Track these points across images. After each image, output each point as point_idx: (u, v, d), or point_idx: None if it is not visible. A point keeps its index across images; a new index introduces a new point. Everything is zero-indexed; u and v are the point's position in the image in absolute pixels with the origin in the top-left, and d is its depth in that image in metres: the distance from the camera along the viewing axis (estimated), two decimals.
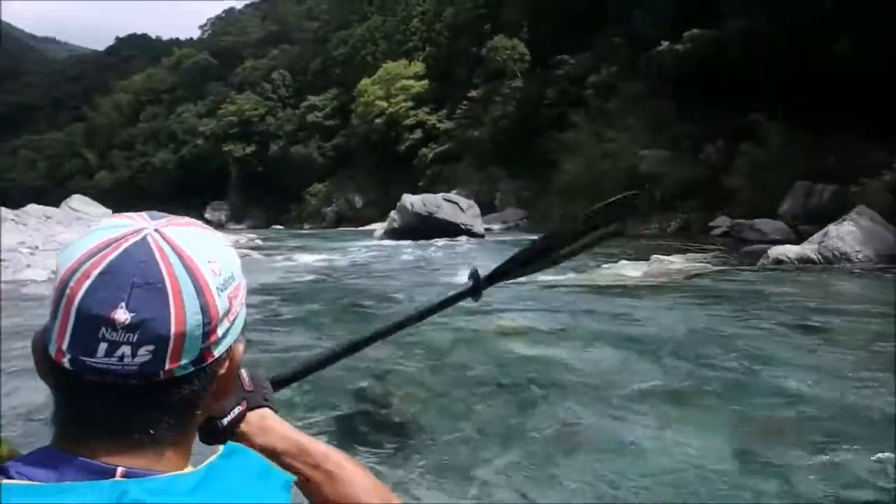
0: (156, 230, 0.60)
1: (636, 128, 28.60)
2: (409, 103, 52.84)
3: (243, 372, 0.90)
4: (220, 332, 0.62)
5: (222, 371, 0.65)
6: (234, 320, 0.64)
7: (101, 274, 0.57)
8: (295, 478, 0.69)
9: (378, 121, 53.78)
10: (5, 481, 0.55)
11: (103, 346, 0.57)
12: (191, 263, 0.60)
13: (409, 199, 24.58)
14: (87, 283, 0.57)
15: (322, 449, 0.89)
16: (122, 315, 0.56)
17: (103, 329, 0.57)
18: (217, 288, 0.61)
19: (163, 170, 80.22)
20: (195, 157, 76.94)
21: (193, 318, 0.59)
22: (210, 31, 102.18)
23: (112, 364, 0.57)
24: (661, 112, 27.97)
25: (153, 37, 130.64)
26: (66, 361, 0.58)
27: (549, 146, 34.58)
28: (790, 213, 18.78)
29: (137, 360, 0.57)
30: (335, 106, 65.84)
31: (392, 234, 24.88)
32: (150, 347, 0.58)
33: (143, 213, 0.64)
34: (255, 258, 18.33)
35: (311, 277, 13.28)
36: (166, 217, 0.64)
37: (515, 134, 38.70)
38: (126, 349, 0.57)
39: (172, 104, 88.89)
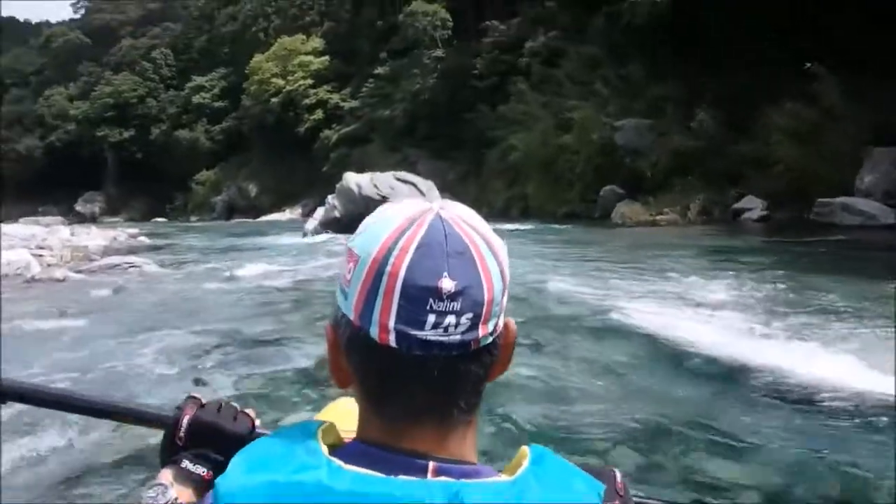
0: (442, 208, 0.57)
1: (603, 94, 21.73)
2: (309, 81, 43.72)
3: None
4: (506, 298, 0.58)
5: (503, 342, 0.59)
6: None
7: (418, 247, 0.53)
8: (605, 486, 0.57)
9: (274, 100, 44.28)
10: (346, 466, 0.51)
11: (431, 318, 0.53)
12: (484, 234, 0.56)
13: (353, 179, 16.57)
14: (408, 257, 0.53)
15: None
16: (447, 283, 0.53)
17: (431, 300, 0.53)
18: (505, 256, 0.57)
19: (28, 157, 65.70)
20: (66, 144, 63.25)
21: (498, 283, 0.55)
22: (83, 10, 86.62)
23: (439, 335, 0.53)
24: (631, 75, 21.28)
25: (21, 20, 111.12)
26: (391, 339, 0.54)
27: (483, 122, 27.24)
28: (881, 188, 12.42)
29: (460, 328, 0.54)
30: (224, 86, 55.14)
31: (332, 225, 16.69)
32: (470, 315, 0.54)
33: (415, 199, 0.60)
34: (153, 275, 9.54)
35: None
36: (437, 200, 0.59)
37: (439, 110, 31.00)
38: (451, 318, 0.53)
39: (40, 87, 73.58)
